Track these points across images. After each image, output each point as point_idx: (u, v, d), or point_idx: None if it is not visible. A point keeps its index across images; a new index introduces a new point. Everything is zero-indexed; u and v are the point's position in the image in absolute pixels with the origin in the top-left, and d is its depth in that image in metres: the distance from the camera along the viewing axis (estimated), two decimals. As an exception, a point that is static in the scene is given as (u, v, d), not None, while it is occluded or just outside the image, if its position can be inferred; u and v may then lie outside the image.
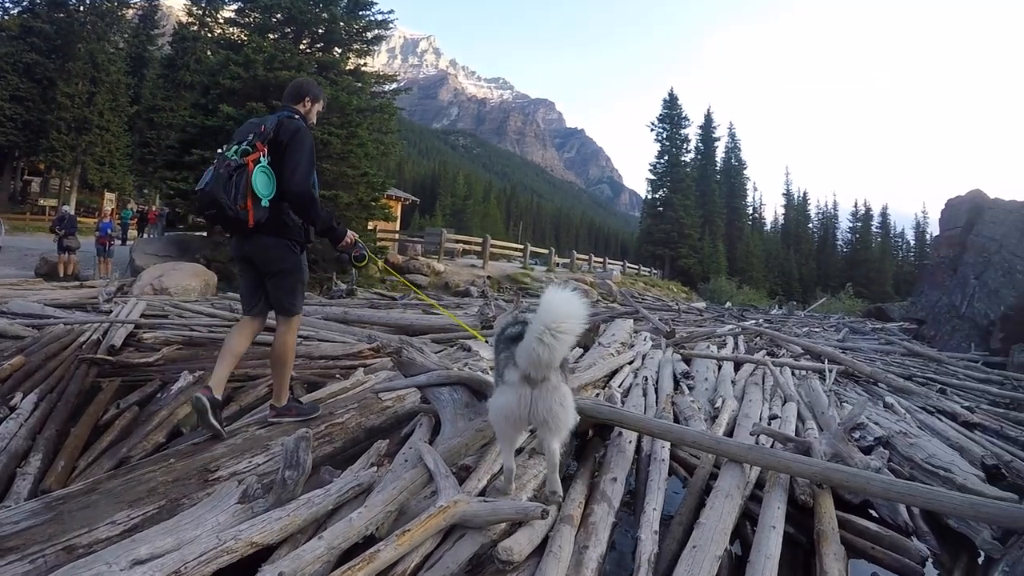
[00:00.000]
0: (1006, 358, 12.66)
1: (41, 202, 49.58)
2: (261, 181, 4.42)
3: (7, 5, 47.40)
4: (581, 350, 8.73)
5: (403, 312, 13.51)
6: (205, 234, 22.54)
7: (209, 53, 23.55)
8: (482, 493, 3.60)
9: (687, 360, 9.18)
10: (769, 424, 5.65)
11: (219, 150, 4.58)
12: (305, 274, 4.98)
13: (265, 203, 4.47)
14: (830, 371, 9.08)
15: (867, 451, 5.09)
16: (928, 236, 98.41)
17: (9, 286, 14.02)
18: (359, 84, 24.46)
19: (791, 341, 12.95)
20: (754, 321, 20.08)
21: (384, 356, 8.12)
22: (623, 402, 6.12)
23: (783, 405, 6.55)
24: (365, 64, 26.19)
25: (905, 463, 5.01)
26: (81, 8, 46.98)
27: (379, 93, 26.11)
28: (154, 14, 60.22)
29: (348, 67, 24.77)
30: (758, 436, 4.94)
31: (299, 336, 7.64)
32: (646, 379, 7.08)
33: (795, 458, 3.93)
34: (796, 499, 3.84)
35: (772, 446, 4.64)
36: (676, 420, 5.60)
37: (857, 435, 5.46)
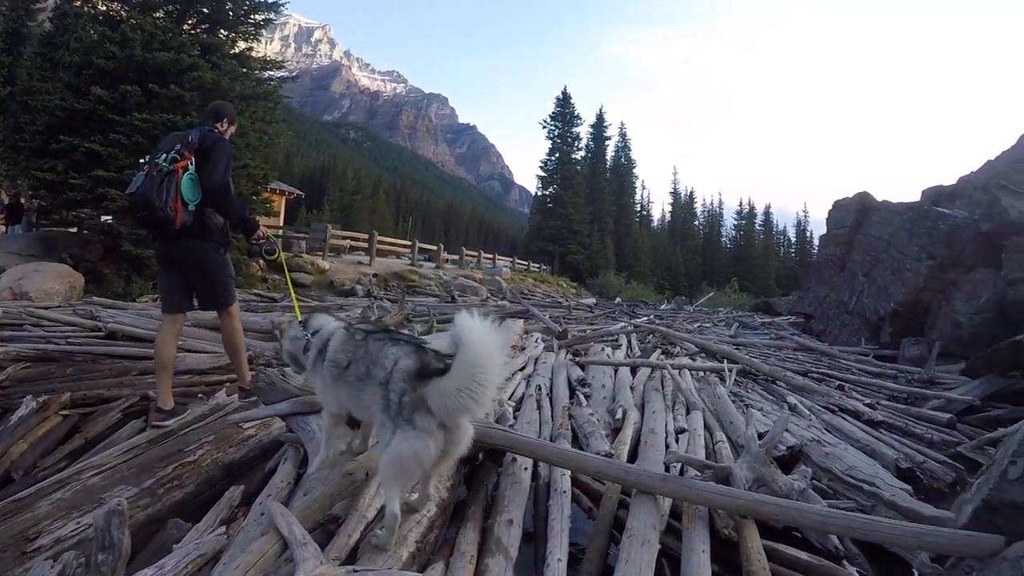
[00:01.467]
0: (896, 351, 12.98)
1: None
2: (188, 187, 4.90)
3: None
4: None
5: (282, 315, 12.37)
6: (74, 230, 21.07)
7: (91, 32, 21.83)
8: (354, 551, 2.92)
9: (582, 364, 8.72)
10: (677, 439, 5.24)
11: (146, 158, 5.10)
12: (231, 268, 5.46)
13: (192, 207, 4.95)
14: (730, 371, 8.78)
15: (781, 462, 4.74)
16: (809, 234, 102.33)
17: None
18: (244, 69, 23.26)
19: (685, 339, 12.81)
20: (646, 318, 19.92)
21: (255, 367, 7.36)
22: (516, 417, 5.61)
23: (688, 415, 6.11)
24: (252, 49, 24.75)
25: (823, 475, 4.73)
26: None
27: (265, 80, 24.77)
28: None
29: (234, 51, 23.31)
30: (670, 465, 4.44)
31: None
32: (539, 388, 6.58)
33: (716, 490, 3.45)
34: (718, 532, 3.42)
35: (683, 471, 4.23)
36: (575, 437, 5.12)
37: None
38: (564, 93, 70.54)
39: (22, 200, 25.63)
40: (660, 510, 3.45)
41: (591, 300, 33.11)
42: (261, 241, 5.44)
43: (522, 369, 7.56)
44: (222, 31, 23.46)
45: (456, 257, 40.50)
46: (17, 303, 12.96)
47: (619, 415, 5.75)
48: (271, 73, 25.34)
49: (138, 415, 5.74)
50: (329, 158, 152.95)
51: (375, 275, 26.94)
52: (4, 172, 46.18)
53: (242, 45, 24.13)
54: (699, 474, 4.05)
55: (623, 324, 15.36)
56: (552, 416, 5.69)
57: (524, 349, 8.84)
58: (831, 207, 22.51)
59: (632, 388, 7.19)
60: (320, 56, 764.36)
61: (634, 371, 8.36)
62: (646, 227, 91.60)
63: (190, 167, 4.92)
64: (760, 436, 4.68)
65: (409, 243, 35.23)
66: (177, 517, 3.58)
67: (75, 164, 19.28)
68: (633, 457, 4.80)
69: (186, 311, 5.42)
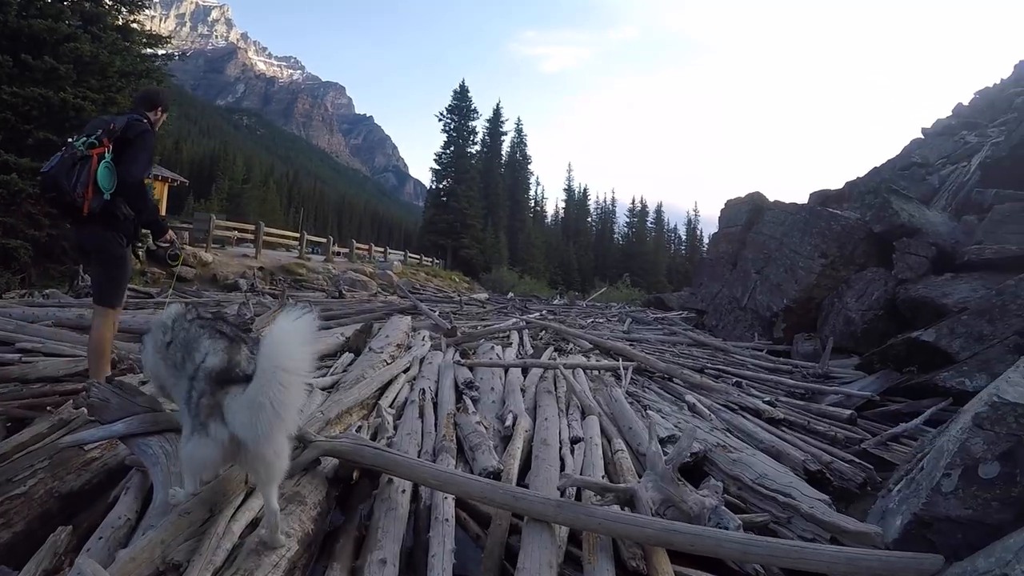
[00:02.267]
0: (790, 346, 13.19)
1: None
2: (103, 175, 4.81)
3: None
4: (351, 355, 7.73)
5: (154, 312, 11.50)
6: None
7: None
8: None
9: (471, 365, 8.23)
10: (572, 450, 4.79)
11: (69, 139, 4.94)
12: (128, 271, 5.38)
13: (107, 196, 4.87)
14: (625, 370, 8.42)
15: (685, 470, 4.45)
16: (699, 232, 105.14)
17: None
18: (127, 44, 21.74)
19: (578, 335, 12.54)
20: (538, 313, 19.57)
21: (118, 372, 6.59)
22: (396, 426, 5.10)
23: (583, 420, 5.70)
24: (136, 22, 23.20)
25: (731, 483, 4.48)
26: None
27: (149, 57, 23.15)
28: None
29: (117, 23, 21.74)
30: (566, 489, 3.89)
31: (19, 351, 7.09)
32: (424, 392, 6.05)
33: (622, 518, 3.07)
34: (625, 563, 3.03)
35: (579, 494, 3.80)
36: (460, 448, 4.61)
37: (670, 451, 4.69)
38: (462, 86, 70.06)
39: None
40: (556, 540, 3.04)
41: (483, 295, 32.48)
42: (165, 245, 5.50)
43: (406, 371, 7.02)
44: (106, 1, 21.75)
45: (347, 250, 39.32)
46: None
47: (509, 422, 5.30)
48: (156, 50, 23.87)
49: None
50: (220, 145, 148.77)
51: (260, 268, 25.65)
52: None
53: (127, 17, 22.63)
54: (599, 497, 3.58)
55: (515, 320, 14.97)
56: (436, 425, 5.19)
57: (410, 348, 8.33)
58: (723, 206, 22.70)
59: (523, 391, 6.76)
60: (216, 37, 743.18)
61: (526, 371, 7.94)
62: (540, 223, 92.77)
63: (107, 155, 4.86)
64: (663, 443, 4.40)
65: (298, 235, 33.58)
66: (2, 564, 2.97)
67: None
68: (525, 471, 4.38)
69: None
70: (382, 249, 46.58)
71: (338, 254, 37.08)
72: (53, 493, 3.58)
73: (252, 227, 30.54)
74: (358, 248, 40.82)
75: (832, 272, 13.34)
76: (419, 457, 4.34)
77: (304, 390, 2.62)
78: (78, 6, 20.70)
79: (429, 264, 51.65)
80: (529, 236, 78.29)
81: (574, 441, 5.04)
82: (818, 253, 13.67)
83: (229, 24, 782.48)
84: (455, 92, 70.02)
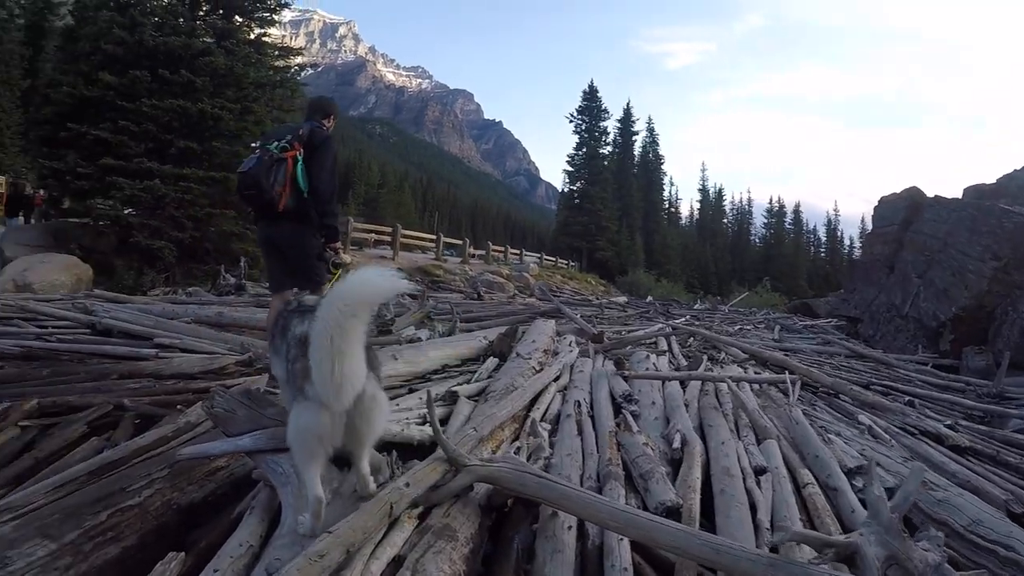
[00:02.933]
0: (957, 360, 12.18)
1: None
2: (301, 175, 5.21)
3: None
4: (495, 360, 7.22)
5: None
6: (86, 221, 20.09)
7: (102, 17, 21.33)
8: None
9: (620, 365, 7.68)
10: (758, 482, 4.13)
11: (257, 143, 5.42)
12: (322, 255, 5.71)
13: (305, 195, 5.28)
14: (793, 385, 7.50)
15: None
16: (840, 233, 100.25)
17: None
18: (259, 56, 22.45)
19: (730, 343, 11.66)
20: (683, 318, 18.73)
21: (254, 371, 6.40)
22: (552, 444, 4.54)
23: (759, 443, 5.03)
24: (267, 35, 24.13)
25: (935, 526, 3.63)
26: None
27: (282, 68, 23.98)
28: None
29: (249, 37, 22.67)
30: (778, 544, 3.20)
31: (156, 346, 7.47)
32: (579, 405, 5.48)
33: None
34: None
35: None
36: (628, 475, 3.99)
37: (860, 483, 4.11)
38: (591, 87, 68.49)
39: (30, 191, 25.08)
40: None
41: (622, 298, 31.38)
42: (330, 254, 5.78)
43: (556, 379, 6.50)
44: (237, 17, 22.67)
45: (482, 252, 39.16)
46: (18, 295, 12.33)
47: (676, 443, 4.67)
48: (287, 61, 24.51)
49: (106, 429, 4.79)
50: (355, 153, 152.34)
51: (399, 269, 25.49)
52: (27, 165, 46.09)
53: (257, 31, 23.52)
54: (818, 554, 2.92)
55: (661, 325, 14.27)
56: (597, 444, 4.60)
57: (557, 354, 7.80)
58: (877, 203, 21.34)
59: (686, 404, 6.10)
60: (345, 52, 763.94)
61: (683, 383, 7.24)
62: (675, 224, 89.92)
63: (299, 157, 5.25)
64: (850, 475, 4.07)
65: (434, 237, 33.77)
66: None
67: (83, 152, 18.80)
68: (706, 506, 3.76)
69: (286, 290, 5.12)
70: (517, 251, 46.18)
71: (474, 256, 36.92)
72: (171, 505, 3.29)
73: (389, 229, 30.51)
74: (494, 250, 40.52)
75: (1005, 276, 12.30)
76: (582, 483, 3.81)
77: (364, 328, 2.56)
78: (211, 23, 21.49)
79: (565, 267, 50.87)
80: (665, 238, 75.93)
81: (758, 472, 4.34)
82: (989, 255, 12.63)
83: (356, 39, 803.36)
84: (584, 93, 68.68)
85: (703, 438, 4.98)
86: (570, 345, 8.67)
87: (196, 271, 19.39)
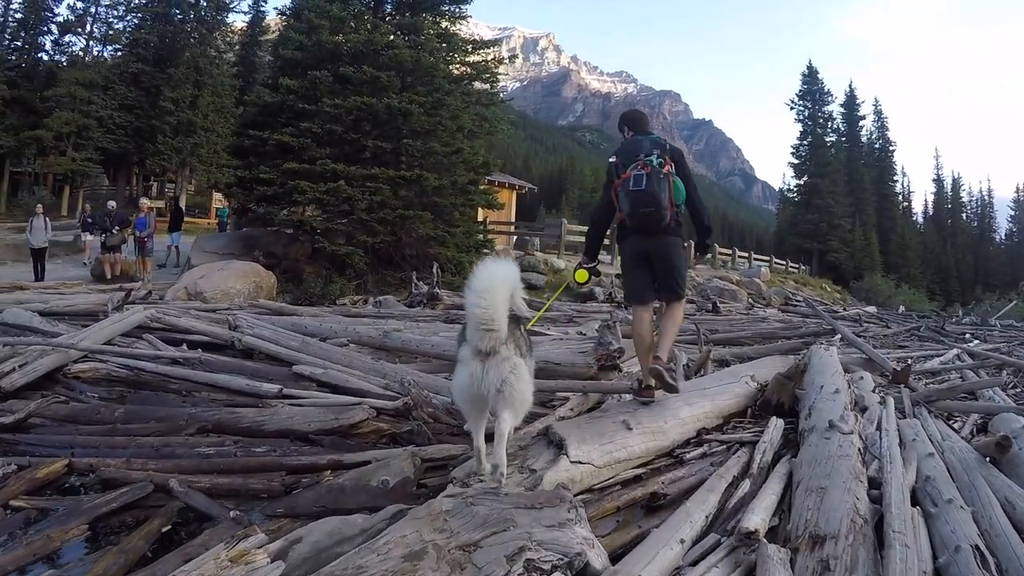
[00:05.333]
0: None
1: (149, 204, 49.16)
2: (679, 189, 5.10)
3: (110, 20, 47.90)
4: (777, 421, 4.96)
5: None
6: (275, 228, 19.99)
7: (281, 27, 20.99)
8: None
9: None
10: None
11: (615, 159, 5.27)
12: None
13: (681, 208, 5.23)
14: None
15: None
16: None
17: (40, 289, 14.26)
18: (450, 50, 21.21)
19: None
20: (975, 340, 14.64)
21: (404, 431, 5.01)
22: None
23: None
24: (456, 31, 22.50)
25: None
26: (184, 19, 48.62)
27: (478, 63, 22.58)
28: (261, 20, 58.57)
29: (435, 32, 21.28)
30: None
31: (292, 376, 6.55)
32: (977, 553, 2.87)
33: None
34: None
35: None
36: None
37: None
38: (810, 68, 63.30)
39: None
40: None
41: (870, 308, 26.50)
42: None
43: (861, 455, 3.94)
44: (425, 16, 21.27)
45: (708, 256, 35.54)
46: (187, 304, 12.66)
47: None
48: (484, 55, 23.04)
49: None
50: (567, 160, 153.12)
51: (617, 275, 22.78)
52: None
53: (449, 27, 22.09)
54: None
55: (956, 352, 10.90)
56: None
57: (865, 410, 5.34)
58: None
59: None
60: (548, 64, 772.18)
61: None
62: (908, 220, 78.34)
63: (672, 171, 5.06)
64: None
65: None
66: None
67: (267, 158, 18.29)
68: None
69: (652, 301, 5.37)
70: (746, 255, 42.70)
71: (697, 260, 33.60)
72: None
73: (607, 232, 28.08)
74: (721, 253, 37.41)
75: None
76: None
77: (505, 300, 3.32)
78: (395, 22, 20.83)
79: (796, 270, 46.31)
80: (902, 237, 67.24)
81: None
82: None
83: (558, 50, 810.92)
84: (803, 75, 63.50)
85: None
86: (875, 391, 6.22)
87: (390, 278, 18.57)
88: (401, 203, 17.89)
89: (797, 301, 24.34)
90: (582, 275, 5.66)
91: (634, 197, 5.04)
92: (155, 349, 7.50)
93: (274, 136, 17.59)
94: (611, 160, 5.26)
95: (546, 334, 8.83)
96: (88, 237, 20.63)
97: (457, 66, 21.74)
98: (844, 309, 21.91)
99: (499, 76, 22.80)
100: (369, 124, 18.06)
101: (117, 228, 18.53)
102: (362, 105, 17.25)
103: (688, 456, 4.40)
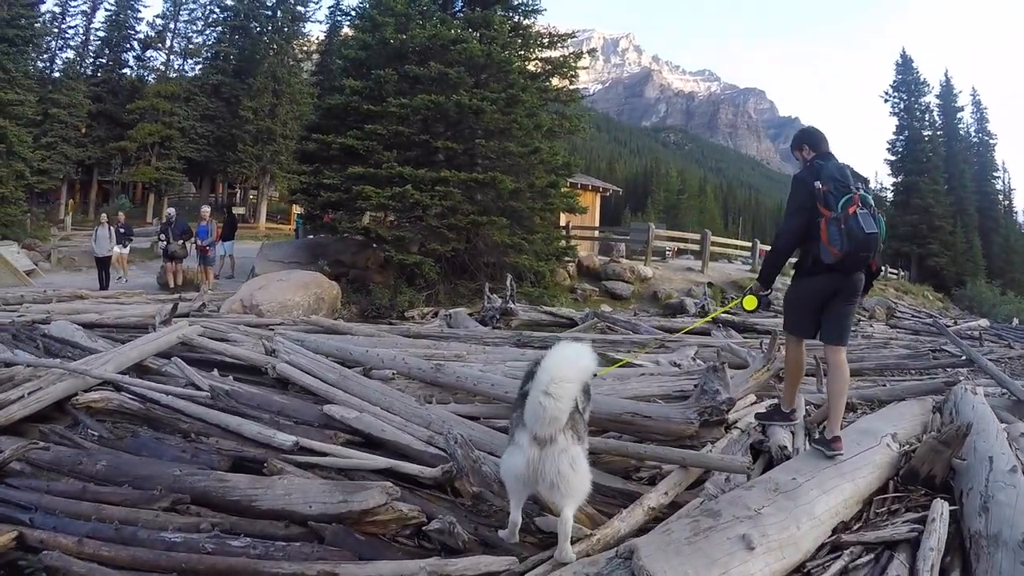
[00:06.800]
0: None
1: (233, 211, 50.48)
2: (882, 228, 4.68)
3: (190, 35, 51.89)
4: (944, 508, 3.70)
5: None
6: (342, 236, 19.18)
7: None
8: None
9: None
10: None
11: (853, 189, 4.61)
12: None
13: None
14: None
15: None
16: None
17: (101, 299, 13.91)
18: (524, 45, 20.41)
19: None
20: None
21: (432, 527, 3.73)
22: None
23: None
24: (532, 25, 21.57)
25: None
26: (262, 32, 51.43)
27: (555, 59, 21.46)
28: (339, 29, 57.17)
29: (509, 27, 20.08)
30: None
31: (320, 420, 5.51)
32: None
33: None
34: None
35: None
36: None
37: None
38: (904, 56, 59.27)
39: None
40: None
41: (983, 322, 22.27)
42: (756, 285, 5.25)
43: None
44: (496, 9, 20.08)
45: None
46: (242, 317, 12.20)
47: None
48: (563, 50, 21.83)
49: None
50: (652, 162, 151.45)
51: (710, 284, 21.21)
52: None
53: (522, 22, 21.24)
54: None
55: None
56: None
57: None
58: None
59: None
60: (629, 64, 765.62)
61: None
62: (1011, 220, 72.44)
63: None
64: None
65: (749, 244, 29.03)
66: None
67: (331, 163, 17.73)
68: None
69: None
70: (842, 259, 39.54)
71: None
72: None
73: (696, 236, 27.15)
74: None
75: None
76: None
77: (574, 394, 3.28)
78: (462, 16, 20.16)
79: (894, 277, 42.71)
80: (1006, 239, 63.01)
81: None
82: None
83: (638, 50, 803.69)
84: (897, 65, 59.50)
85: None
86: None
87: (463, 289, 17.48)
88: (474, 208, 16.92)
89: (901, 312, 22.15)
90: (752, 302, 5.17)
91: (863, 239, 4.52)
92: (182, 375, 6.69)
93: (338, 140, 16.84)
94: (816, 184, 4.61)
95: (637, 365, 7.53)
96: (118, 249, 19.47)
97: (534, 63, 20.85)
98: (955, 322, 19.66)
99: (578, 71, 21.73)
100: (439, 125, 17.29)
101: (180, 238, 17.98)
102: (430, 104, 16.32)
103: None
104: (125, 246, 19.83)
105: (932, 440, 4.30)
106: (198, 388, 6.23)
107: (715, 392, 4.77)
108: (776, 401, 5.34)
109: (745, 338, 11.67)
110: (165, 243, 18.09)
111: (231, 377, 6.70)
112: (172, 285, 17.68)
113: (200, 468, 4.52)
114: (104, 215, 19.94)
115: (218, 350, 7.82)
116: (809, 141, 5.07)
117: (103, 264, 18.47)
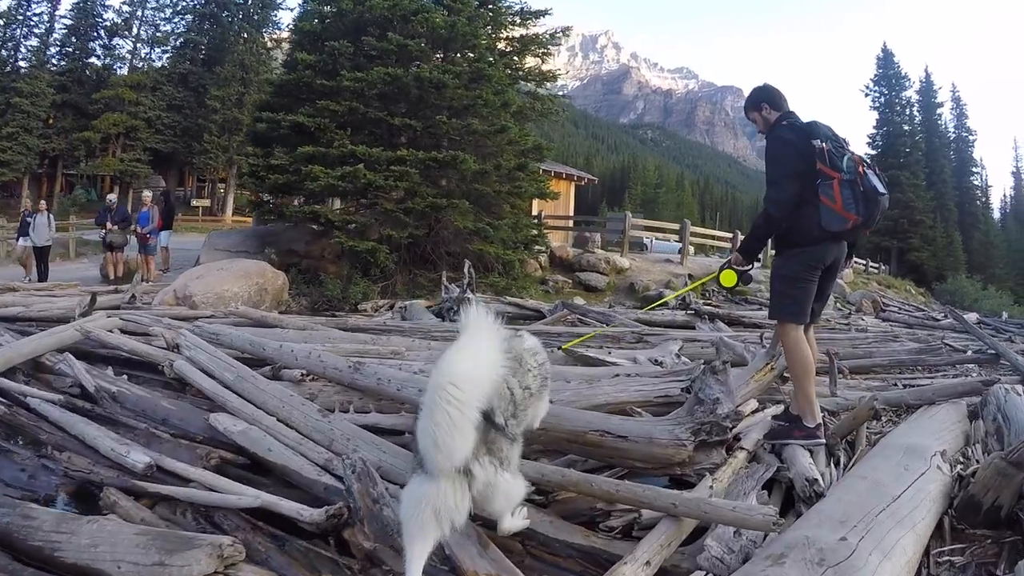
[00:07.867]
0: None
1: (194, 203, 50.51)
2: None
3: (157, 23, 51.48)
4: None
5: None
6: (291, 223, 17.86)
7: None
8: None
9: None
10: None
11: (848, 149, 4.25)
12: None
13: None
14: None
15: None
16: None
17: (33, 291, 13.06)
18: (493, 17, 19.27)
19: None
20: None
21: None
22: None
23: None
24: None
25: None
26: (232, 19, 51.17)
27: (528, 36, 20.52)
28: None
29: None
30: None
31: (203, 434, 4.64)
32: None
33: None
34: None
35: None
36: None
37: None
38: (885, 50, 60.13)
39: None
40: None
41: (971, 316, 21.98)
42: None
43: None
44: None
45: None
46: (169, 310, 10.79)
47: None
48: (532, 26, 20.91)
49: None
50: (629, 158, 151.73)
51: (689, 276, 20.17)
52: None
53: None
54: None
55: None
56: None
57: None
58: None
59: None
60: (607, 61, 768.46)
61: None
62: (990, 217, 73.84)
63: None
64: None
65: (730, 235, 27.59)
66: None
67: (282, 143, 16.63)
68: None
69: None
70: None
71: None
72: None
73: (675, 227, 26.34)
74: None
75: None
76: None
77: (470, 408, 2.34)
78: None
79: (876, 271, 42.24)
80: (985, 234, 63.52)
81: None
82: None
83: (617, 47, 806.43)
84: (878, 59, 60.24)
85: None
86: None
87: (422, 279, 16.17)
88: (435, 191, 15.66)
89: (887, 304, 21.27)
90: (730, 277, 4.67)
91: (879, 202, 4.15)
92: (72, 373, 5.92)
93: (288, 117, 15.58)
94: (815, 143, 4.11)
95: (607, 362, 6.28)
96: (21, 242, 18.06)
97: (505, 41, 19.90)
98: (944, 316, 18.71)
99: (551, 49, 20.87)
100: (399, 101, 16.10)
101: (117, 225, 16.79)
102: (387, 77, 15.04)
103: None
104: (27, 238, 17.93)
105: (999, 461, 3.17)
106: (84, 389, 5.55)
107: (714, 402, 3.44)
108: (781, 411, 4.55)
109: (736, 332, 10.58)
110: (104, 232, 16.91)
111: (125, 377, 5.98)
112: (112, 276, 16.70)
113: (25, 494, 3.84)
114: (43, 203, 18.74)
115: (115, 344, 6.83)
116: (769, 99, 4.54)
117: (41, 255, 17.23)
